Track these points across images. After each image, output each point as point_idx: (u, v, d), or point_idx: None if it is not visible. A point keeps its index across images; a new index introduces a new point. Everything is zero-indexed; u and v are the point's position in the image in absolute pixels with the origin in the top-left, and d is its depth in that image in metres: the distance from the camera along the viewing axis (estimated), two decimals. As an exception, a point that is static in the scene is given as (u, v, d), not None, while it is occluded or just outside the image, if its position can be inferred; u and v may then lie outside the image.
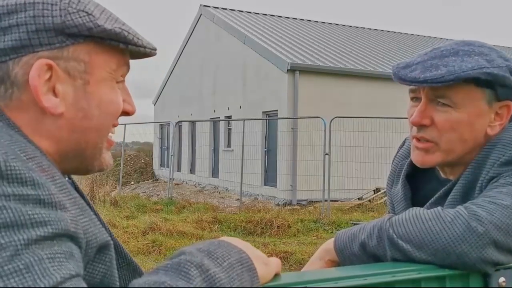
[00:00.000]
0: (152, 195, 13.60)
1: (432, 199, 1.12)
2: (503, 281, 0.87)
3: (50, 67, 0.70)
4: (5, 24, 0.68)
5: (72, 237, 0.59)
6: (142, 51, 0.78)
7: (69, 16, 0.71)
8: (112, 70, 0.77)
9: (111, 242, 0.70)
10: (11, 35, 0.68)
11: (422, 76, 1.02)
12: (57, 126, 0.72)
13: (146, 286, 0.56)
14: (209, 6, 18.12)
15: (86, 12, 0.72)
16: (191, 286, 0.57)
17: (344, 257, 0.95)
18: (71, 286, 0.53)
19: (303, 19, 19.78)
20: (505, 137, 1.03)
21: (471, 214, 0.86)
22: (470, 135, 1.05)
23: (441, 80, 1.00)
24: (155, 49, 0.82)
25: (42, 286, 0.51)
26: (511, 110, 1.08)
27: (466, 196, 1.03)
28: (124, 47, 0.76)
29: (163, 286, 0.56)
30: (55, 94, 0.71)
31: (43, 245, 0.54)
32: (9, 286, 0.49)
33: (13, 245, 0.52)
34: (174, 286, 0.57)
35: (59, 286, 0.52)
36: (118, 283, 0.72)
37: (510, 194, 0.91)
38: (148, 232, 7.32)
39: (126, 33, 0.75)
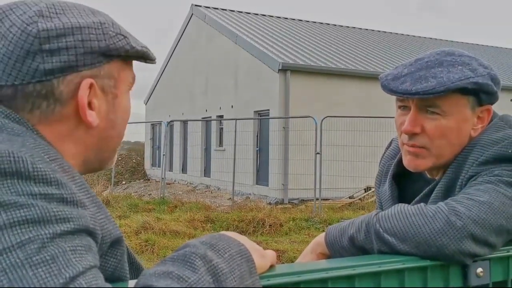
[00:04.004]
0: (144, 195, 13.60)
1: (417, 197, 1.19)
2: (481, 271, 0.94)
3: (91, 85, 0.77)
4: (54, 47, 0.73)
5: (90, 233, 0.65)
6: (151, 63, 0.90)
7: (111, 40, 0.79)
8: (129, 83, 0.87)
9: (123, 237, 0.76)
10: (60, 56, 0.73)
11: (414, 88, 1.09)
12: (89, 134, 0.80)
13: (156, 275, 0.63)
14: (200, 6, 18.12)
15: (123, 36, 0.82)
16: (197, 275, 0.63)
17: (334, 250, 1.02)
18: (91, 275, 0.59)
19: (294, 19, 19.85)
20: (483, 139, 1.11)
21: (450, 209, 0.93)
22: (458, 139, 1.13)
23: (432, 91, 1.07)
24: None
25: (67, 275, 0.57)
26: (491, 113, 1.16)
27: (447, 193, 1.11)
28: (144, 62, 0.87)
29: (171, 276, 0.62)
30: (91, 108, 0.78)
31: (66, 239, 0.60)
32: (38, 274, 0.55)
33: (40, 238, 0.58)
34: (181, 275, 0.62)
35: (81, 276, 0.58)
36: (128, 276, 0.78)
37: (487, 191, 0.98)
38: (141, 232, 7.35)
39: (149, 52, 0.86)
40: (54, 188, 0.63)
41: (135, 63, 0.91)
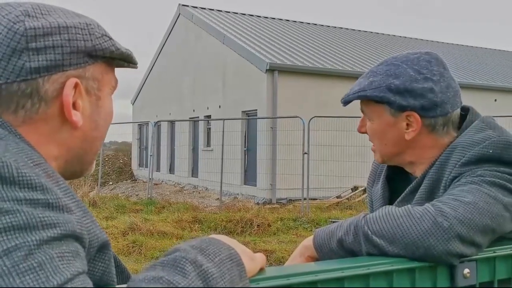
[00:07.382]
0: (131, 195, 13.51)
1: (400, 196, 1.21)
2: (468, 272, 0.95)
3: (76, 85, 0.77)
4: (41, 45, 0.72)
5: (77, 238, 0.64)
6: (133, 67, 0.90)
7: (97, 41, 0.79)
8: (112, 86, 0.87)
9: (110, 241, 0.76)
10: (46, 55, 0.73)
11: (346, 94, 1.22)
12: (72, 135, 0.79)
13: (146, 281, 0.62)
14: (187, 6, 18.06)
15: (108, 37, 0.82)
16: (187, 280, 0.63)
17: (323, 253, 1.02)
18: (79, 282, 0.58)
19: (281, 19, 19.89)
20: (464, 140, 1.12)
21: (437, 210, 0.94)
22: (388, 141, 1.20)
23: (346, 99, 1.21)
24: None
25: (55, 282, 0.56)
26: (418, 118, 1.15)
27: (431, 194, 1.12)
28: (127, 66, 0.87)
29: (161, 281, 0.62)
30: (75, 108, 0.77)
31: (53, 245, 0.59)
32: (25, 282, 0.54)
33: (27, 245, 0.57)
34: (172, 280, 0.62)
35: (69, 283, 0.57)
36: (115, 280, 0.77)
37: (471, 191, 1.00)
38: (128, 233, 7.30)
39: (133, 55, 0.87)
40: (39, 193, 0.62)
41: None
